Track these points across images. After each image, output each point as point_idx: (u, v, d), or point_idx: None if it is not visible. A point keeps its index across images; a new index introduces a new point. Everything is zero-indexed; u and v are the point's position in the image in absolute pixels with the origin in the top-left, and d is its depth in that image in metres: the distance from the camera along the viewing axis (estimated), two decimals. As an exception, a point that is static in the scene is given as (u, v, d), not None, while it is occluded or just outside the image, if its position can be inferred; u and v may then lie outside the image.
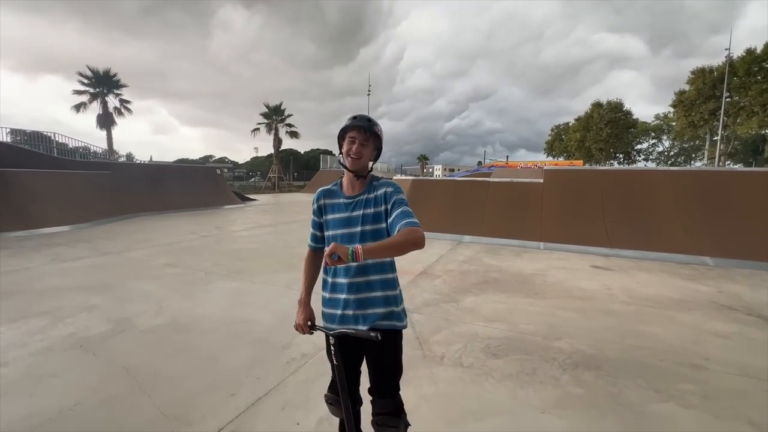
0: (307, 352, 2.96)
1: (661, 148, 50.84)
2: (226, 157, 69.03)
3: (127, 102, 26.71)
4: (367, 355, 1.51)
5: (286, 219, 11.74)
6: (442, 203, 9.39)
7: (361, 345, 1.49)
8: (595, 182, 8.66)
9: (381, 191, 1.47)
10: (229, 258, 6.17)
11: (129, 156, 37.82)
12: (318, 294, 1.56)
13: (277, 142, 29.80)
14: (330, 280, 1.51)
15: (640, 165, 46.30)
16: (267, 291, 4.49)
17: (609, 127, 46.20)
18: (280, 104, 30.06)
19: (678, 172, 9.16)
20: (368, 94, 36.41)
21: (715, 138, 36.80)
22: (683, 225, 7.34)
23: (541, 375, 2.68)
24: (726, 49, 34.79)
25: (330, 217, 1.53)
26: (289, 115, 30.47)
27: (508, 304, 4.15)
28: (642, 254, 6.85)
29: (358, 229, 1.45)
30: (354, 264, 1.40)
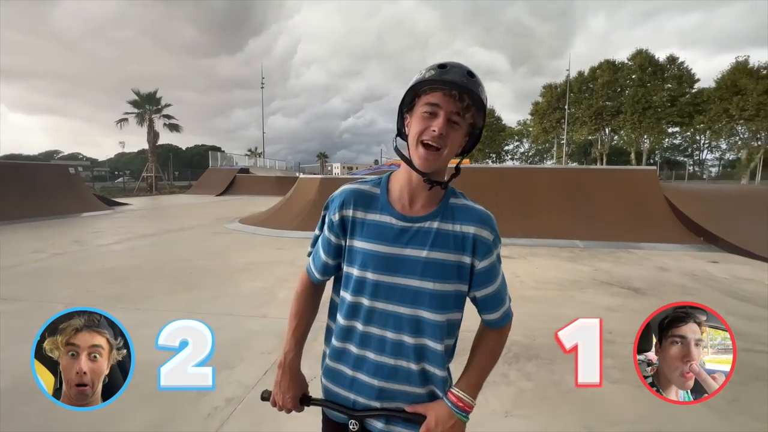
0: (232, 396, 2.39)
1: (522, 149, 60.49)
2: (79, 153, 56.28)
3: None
4: None
5: (172, 226, 9.99)
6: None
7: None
8: (490, 179, 9.58)
9: (471, 229, 0.83)
10: (101, 281, 4.83)
11: None
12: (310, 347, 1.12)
13: (153, 135, 25.48)
14: (346, 323, 0.91)
15: (509, 163, 53.98)
16: (162, 319, 3.58)
17: (485, 131, 52.70)
18: (155, 92, 25.81)
19: (550, 170, 10.81)
20: (262, 87, 34.14)
21: (562, 141, 45.40)
22: (558, 214, 8.65)
23: (492, 374, 2.66)
24: (566, 70, 43.10)
25: (359, 244, 0.86)
26: (167, 105, 26.46)
27: (440, 302, 4.17)
28: (532, 241, 7.82)
29: (416, 282, 0.82)
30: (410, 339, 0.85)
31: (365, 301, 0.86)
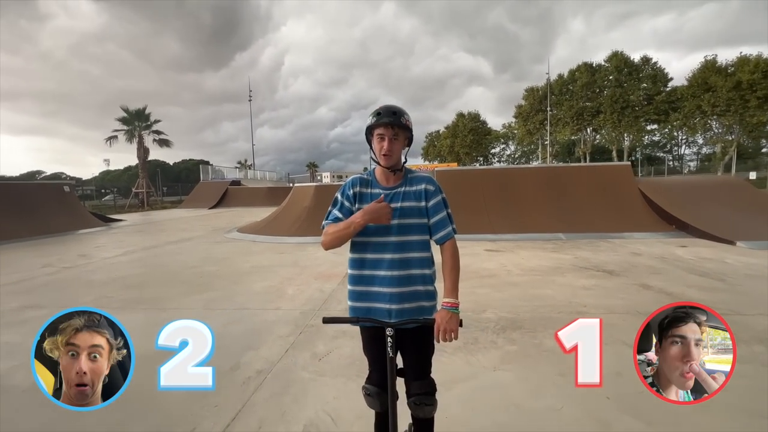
0: (261, 368, 2.78)
1: (509, 151, 61.85)
2: (62, 173, 55.50)
3: None
4: (405, 345, 1.50)
5: (174, 238, 10.26)
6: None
7: (402, 336, 1.46)
8: (476, 180, 10.13)
9: (421, 186, 1.49)
10: (117, 288, 5.14)
11: None
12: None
13: (143, 152, 25.53)
14: (368, 273, 1.48)
15: (497, 165, 55.17)
16: (185, 316, 3.92)
17: (471, 135, 53.99)
18: (144, 108, 25.89)
19: (531, 169, 11.41)
20: (249, 100, 34.40)
21: (546, 142, 46.69)
22: (541, 210, 9.20)
23: (483, 342, 3.12)
24: (546, 74, 44.49)
25: (364, 206, 1.48)
26: (157, 121, 26.54)
27: (435, 290, 4.60)
28: (518, 236, 8.33)
29: (396, 221, 1.45)
30: (393, 256, 1.44)
31: (369, 239, 1.47)
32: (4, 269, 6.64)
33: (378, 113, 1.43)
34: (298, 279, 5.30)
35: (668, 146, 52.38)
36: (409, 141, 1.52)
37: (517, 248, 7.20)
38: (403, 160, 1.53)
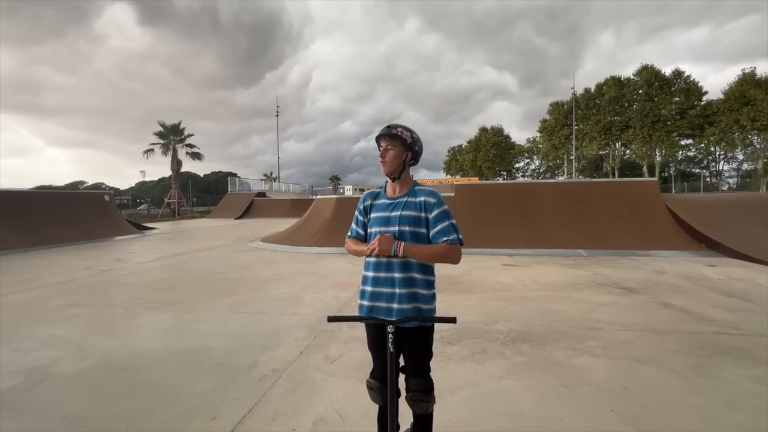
0: (277, 368, 2.95)
1: (533, 166, 60.87)
2: (102, 183, 59.11)
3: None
4: (405, 343, 1.61)
5: (201, 246, 10.77)
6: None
7: (402, 334, 1.58)
8: (495, 194, 10.12)
9: (422, 198, 1.63)
10: (149, 290, 5.51)
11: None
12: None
13: (177, 164, 26.98)
14: (373, 275, 1.64)
15: (520, 180, 54.35)
16: (209, 318, 4.21)
17: (494, 149, 53.61)
18: (179, 123, 27.54)
19: (553, 184, 11.28)
20: (276, 115, 35.74)
21: (571, 157, 45.69)
22: (562, 226, 9.07)
23: (491, 352, 3.17)
24: (571, 88, 43.90)
25: (373, 215, 1.70)
26: (190, 135, 28.07)
27: (448, 302, 4.66)
28: (537, 251, 8.24)
29: (396, 228, 1.60)
30: (399, 260, 1.58)
31: None
32: (52, 271, 7.22)
33: (382, 128, 1.68)
34: (316, 287, 5.50)
35: (705, 162, 49.99)
36: (414, 154, 1.67)
37: (535, 263, 7.13)
38: (401, 169, 1.66)
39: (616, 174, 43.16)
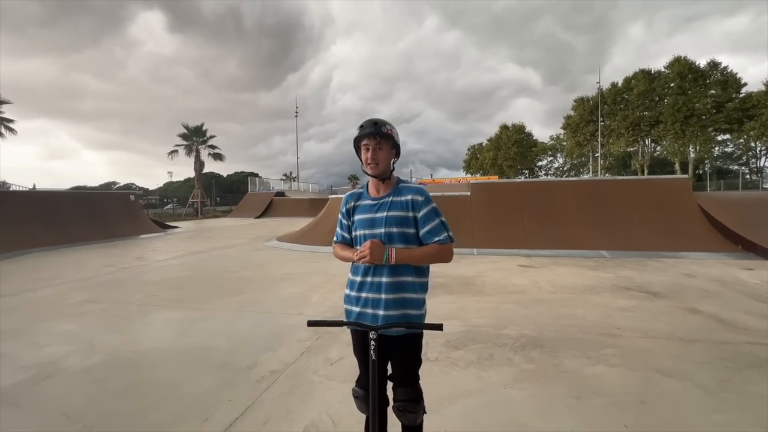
0: (275, 369, 2.90)
1: (557, 164, 59.09)
2: (133, 183, 61.79)
3: (9, 121, 22.78)
4: (393, 351, 1.52)
5: (219, 245, 11.00)
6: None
7: (389, 342, 1.50)
8: (513, 193, 9.81)
9: (408, 197, 1.52)
10: (163, 288, 5.63)
11: (2, 184, 31.89)
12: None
13: (199, 165, 27.80)
14: (360, 279, 1.53)
15: (543, 178, 52.95)
16: (217, 316, 4.24)
17: (515, 147, 52.35)
18: (202, 125, 28.38)
19: (574, 182, 10.83)
20: (296, 116, 36.21)
21: (597, 155, 44.01)
22: (584, 226, 8.68)
23: (498, 358, 3.02)
24: (597, 83, 42.28)
25: (357, 218, 1.58)
26: (212, 137, 28.87)
27: (458, 304, 4.51)
28: (556, 252, 7.92)
29: (382, 230, 1.49)
30: (390, 264, 1.46)
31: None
32: (74, 268, 7.52)
33: (362, 126, 1.53)
34: (325, 287, 5.46)
35: (744, 158, 47.07)
36: (397, 152, 1.58)
37: (553, 265, 6.84)
38: (390, 169, 1.57)
39: (646, 172, 41.24)
